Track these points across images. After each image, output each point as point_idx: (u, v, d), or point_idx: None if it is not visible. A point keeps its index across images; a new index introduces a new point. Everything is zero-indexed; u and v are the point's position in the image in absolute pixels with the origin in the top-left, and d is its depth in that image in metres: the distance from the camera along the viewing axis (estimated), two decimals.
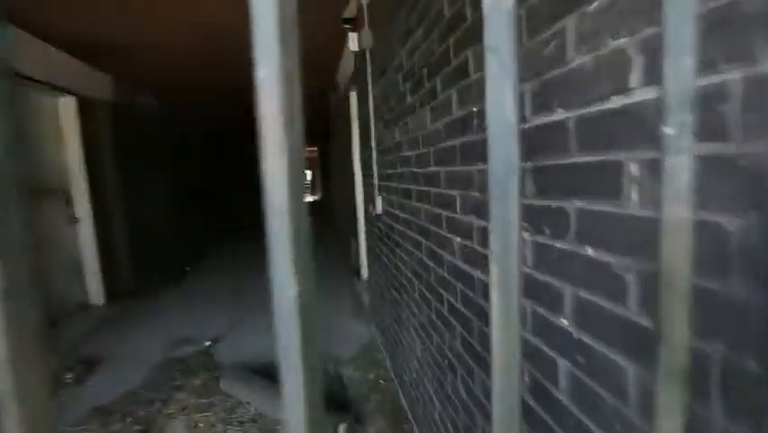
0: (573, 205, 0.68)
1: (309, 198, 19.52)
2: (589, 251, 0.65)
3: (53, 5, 2.80)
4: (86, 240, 3.87)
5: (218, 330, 3.46)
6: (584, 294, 0.67)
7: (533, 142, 0.78)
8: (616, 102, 0.57)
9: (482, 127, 1.01)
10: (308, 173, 31.12)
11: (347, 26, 3.05)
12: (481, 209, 1.04)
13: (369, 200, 2.99)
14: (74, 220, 3.78)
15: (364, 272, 4.08)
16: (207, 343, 3.20)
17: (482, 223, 1.05)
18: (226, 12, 3.05)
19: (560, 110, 0.70)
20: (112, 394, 2.51)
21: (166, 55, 3.95)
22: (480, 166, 1.03)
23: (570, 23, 0.65)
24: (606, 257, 0.62)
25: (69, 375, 2.69)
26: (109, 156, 4.08)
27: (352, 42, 2.50)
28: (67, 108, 3.71)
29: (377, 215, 2.68)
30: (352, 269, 4.69)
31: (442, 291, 1.44)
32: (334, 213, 5.76)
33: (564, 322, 0.74)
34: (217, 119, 8.47)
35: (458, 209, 1.22)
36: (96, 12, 2.93)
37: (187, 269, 5.58)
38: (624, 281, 0.58)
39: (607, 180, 0.60)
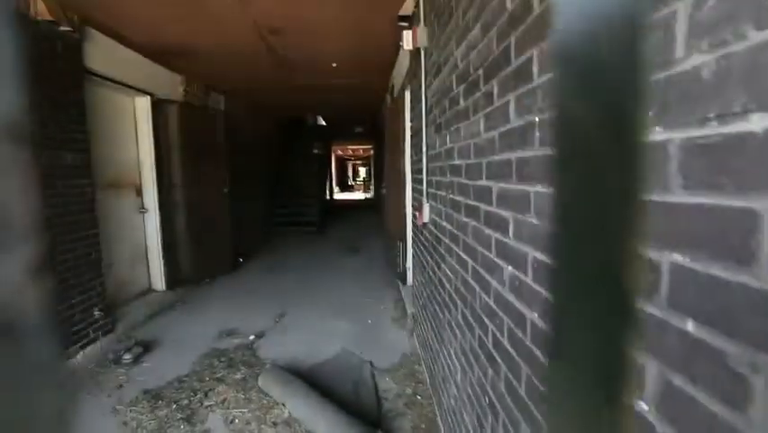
0: (669, 259, 0.50)
1: (363, 196, 19.88)
2: (690, 326, 0.47)
3: (131, 13, 3.00)
4: (151, 230, 4.17)
5: (264, 325, 3.54)
6: (678, 381, 0.49)
7: None
8: (756, 123, 0.39)
9: (545, 141, 0.84)
10: (363, 170, 32.07)
11: (403, 24, 2.94)
12: (538, 240, 0.87)
13: (417, 206, 2.87)
14: (142, 211, 4.08)
15: (410, 278, 3.98)
16: (252, 337, 3.28)
17: (539, 255, 0.87)
18: (287, 16, 3.08)
19: (657, 129, 0.51)
20: (161, 379, 2.64)
21: (231, 57, 4.11)
22: (539, 187, 0.86)
23: (681, 6, 0.47)
24: (717, 340, 0.43)
25: (128, 355, 2.88)
26: (176, 152, 4.35)
27: (407, 41, 2.39)
28: (142, 107, 4.01)
29: (424, 223, 2.56)
30: (397, 272, 4.60)
31: (487, 322, 1.27)
32: (385, 212, 5.72)
33: (644, 406, 0.56)
34: (281, 117, 8.83)
35: (510, 234, 1.05)
36: (170, 20, 3.10)
37: (241, 260, 5.84)
38: (745, 382, 0.40)
39: (729, 235, 0.42)
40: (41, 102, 2.69)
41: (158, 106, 4.12)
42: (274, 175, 8.67)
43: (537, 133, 0.87)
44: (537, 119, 0.87)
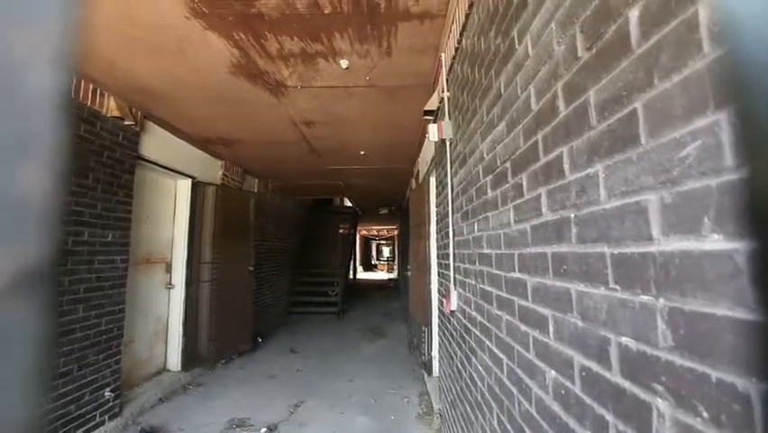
0: (753, 387, 0.43)
1: (387, 276, 19.67)
2: None
3: (187, 109, 3.41)
4: (175, 306, 4.19)
5: (278, 416, 3.29)
6: None
7: (668, 274, 0.56)
8: None
9: (584, 239, 0.81)
10: (386, 249, 32.20)
11: (428, 117, 3.16)
12: (586, 343, 0.80)
13: (444, 292, 2.78)
14: (169, 287, 4.15)
15: (435, 368, 3.72)
16: (263, 430, 3.03)
17: (586, 362, 0.79)
18: (320, 110, 3.41)
19: (715, 236, 0.49)
20: None
21: (268, 145, 4.49)
22: (582, 286, 0.81)
23: None
24: None
25: None
26: (209, 230, 4.55)
27: (432, 133, 2.54)
28: (183, 189, 4.33)
29: (451, 310, 2.45)
30: (422, 360, 4.31)
31: None
32: (409, 295, 5.58)
33: None
34: (309, 197, 9.26)
35: (550, 334, 0.97)
36: (219, 116, 3.50)
37: (260, 340, 5.68)
38: None
39: None
40: (96, 186, 2.95)
41: (197, 188, 4.43)
42: (299, 254, 8.82)
43: (574, 229, 0.85)
44: (573, 215, 0.86)
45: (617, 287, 0.69)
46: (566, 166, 0.89)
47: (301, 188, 7.45)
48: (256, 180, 6.22)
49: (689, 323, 0.53)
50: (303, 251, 9.08)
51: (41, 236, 0.13)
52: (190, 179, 4.34)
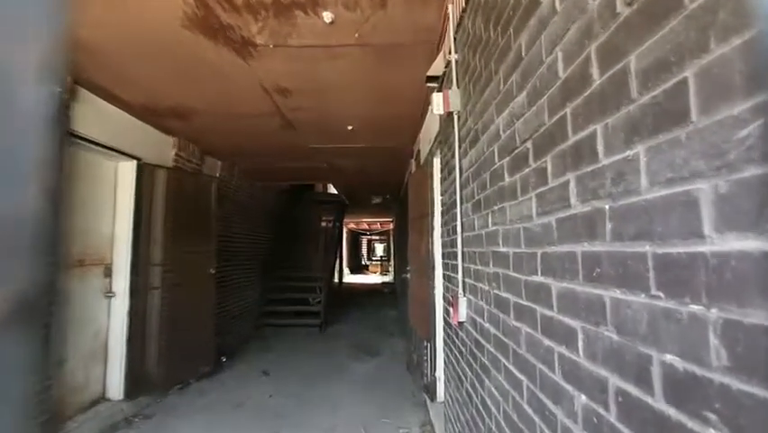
0: None
1: (380, 279, 19.74)
2: None
3: (130, 72, 3.36)
4: (117, 319, 4.17)
5: None
6: None
7: (723, 279, 0.58)
8: None
9: (619, 235, 0.82)
10: (380, 247, 32.26)
11: (431, 85, 3.15)
12: (623, 362, 0.81)
13: (450, 299, 2.81)
14: (109, 295, 4.13)
15: (440, 391, 3.77)
16: None
17: (623, 385, 0.81)
18: (297, 75, 3.38)
19: None
20: None
21: (232, 118, 4.45)
22: (618, 293, 0.83)
23: None
24: None
25: None
26: (160, 225, 4.52)
27: (436, 104, 2.53)
28: (125, 173, 4.28)
29: (459, 322, 2.48)
30: (424, 383, 4.36)
31: None
32: (407, 303, 5.61)
33: None
34: (285, 183, 9.23)
35: (580, 350, 0.99)
36: (169, 79, 3.45)
37: (224, 359, 5.69)
38: None
39: None
40: None
41: (143, 172, 4.38)
42: (272, 253, 8.81)
43: (609, 224, 0.86)
44: (608, 207, 0.86)
45: (661, 294, 0.70)
46: (600, 147, 0.90)
47: (275, 171, 7.40)
48: (218, 162, 6.18)
49: (748, 339, 0.54)
50: (277, 249, 9.07)
51: (33, 264, 0.15)
52: (135, 161, 4.30)
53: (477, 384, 2.12)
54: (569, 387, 1.06)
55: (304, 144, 5.52)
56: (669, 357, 0.68)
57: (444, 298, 3.36)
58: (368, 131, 4.97)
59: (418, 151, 5.06)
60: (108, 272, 4.17)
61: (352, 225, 23.98)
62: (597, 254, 0.92)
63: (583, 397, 0.98)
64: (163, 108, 4.13)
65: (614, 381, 0.85)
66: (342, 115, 4.41)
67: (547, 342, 1.20)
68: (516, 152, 1.48)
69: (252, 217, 7.71)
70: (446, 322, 3.27)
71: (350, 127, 4.80)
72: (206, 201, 5.30)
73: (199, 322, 5.08)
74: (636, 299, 0.77)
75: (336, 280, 13.77)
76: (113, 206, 4.25)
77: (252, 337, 7.37)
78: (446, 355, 3.32)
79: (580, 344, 0.99)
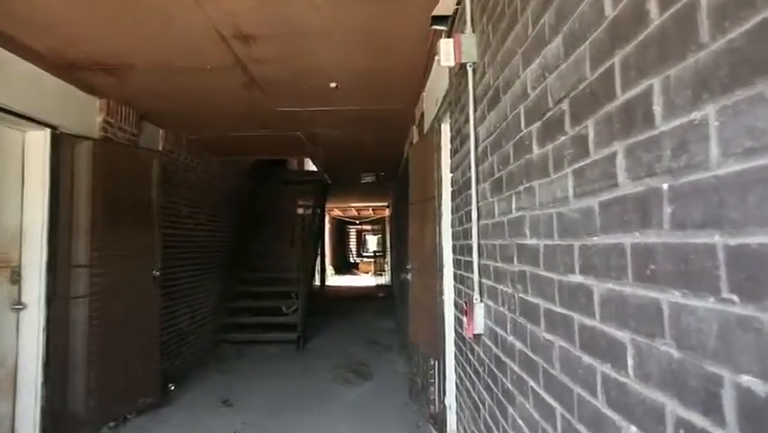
0: None
1: (374, 281, 19.78)
2: None
3: (36, 9, 3.30)
4: (28, 338, 4.09)
5: None
6: None
7: None
8: None
9: (681, 221, 0.82)
10: (373, 240, 32.22)
11: (438, 28, 3.13)
12: (685, 384, 0.82)
13: (464, 307, 2.82)
14: (17, 308, 4.08)
15: (452, 424, 3.80)
16: None
17: (686, 414, 0.81)
18: (263, 17, 3.33)
19: None
20: None
21: (178, 74, 4.40)
22: (679, 296, 0.83)
23: None
24: None
25: None
26: (84, 214, 4.48)
27: (445, 53, 2.51)
28: (35, 146, 4.21)
29: (475, 334, 2.50)
30: (430, 412, 4.41)
31: None
32: (409, 312, 5.63)
33: None
34: (250, 159, 9.18)
35: (629, 369, 1.00)
36: (93, 19, 3.39)
37: (172, 387, 5.70)
38: None
39: None
40: None
41: (61, 144, 4.32)
42: (235, 249, 8.81)
43: (668, 208, 0.86)
44: (667, 186, 0.86)
45: (735, 297, 0.70)
46: (657, 108, 0.90)
47: (236, 144, 7.35)
48: (161, 132, 6.12)
49: None
50: (241, 244, 9.06)
51: None
52: (48, 130, 4.23)
53: (498, 414, 2.14)
54: (615, 416, 1.07)
55: (273, 108, 5.48)
56: (746, 379, 0.68)
57: (456, 304, 3.38)
58: (356, 89, 4.93)
59: (421, 115, 5.04)
60: (16, 277, 4.12)
61: (336, 212, 23.99)
62: (651, 247, 0.92)
63: (633, 429, 0.99)
64: (86, 60, 4.06)
65: (673, 408, 0.86)
66: (322, 70, 4.37)
67: (588, 359, 1.21)
68: (549, 115, 1.47)
69: (208, 204, 7.68)
70: (458, 335, 3.29)
71: (333, 85, 4.76)
72: (146, 183, 5.26)
73: (139, 339, 5.08)
74: (703, 303, 0.77)
75: (318, 282, 13.80)
76: (20, 189, 4.19)
77: (210, 357, 7.38)
78: (458, 378, 3.35)
79: (630, 361, 1.00)
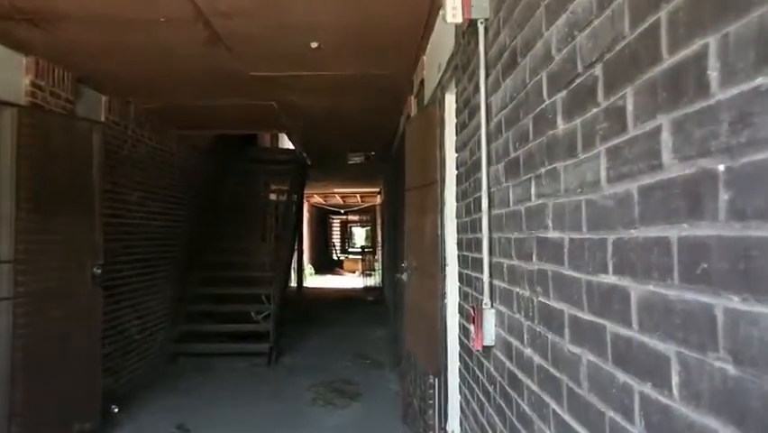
0: None
1: (361, 282, 19.78)
2: None
3: None
4: None
5: None
6: None
7: None
8: None
9: (740, 211, 0.82)
10: (361, 233, 32.22)
11: None
12: (744, 407, 0.82)
13: (472, 313, 2.83)
14: None
15: None
16: None
17: None
18: None
19: None
20: None
21: (125, 28, 4.36)
22: (736, 301, 0.83)
23: None
24: None
25: None
26: (8, 200, 4.42)
27: (452, 8, 2.50)
28: None
29: (484, 346, 2.51)
30: None
31: None
32: (405, 319, 5.65)
33: None
34: (212, 134, 9.14)
35: (674, 390, 1.00)
36: None
37: (116, 409, 5.69)
38: None
39: None
40: None
41: None
42: (194, 243, 8.78)
43: (724, 195, 0.86)
44: (723, 168, 0.86)
45: None
46: (713, 73, 0.89)
47: (197, 115, 7.32)
48: (104, 99, 6.08)
49: None
50: (203, 237, 9.04)
51: None
52: None
53: None
54: None
55: (242, 72, 5.45)
56: None
57: (461, 310, 3.39)
58: (342, 50, 4.92)
59: (421, 83, 5.03)
60: None
61: (317, 199, 23.99)
62: (703, 241, 0.92)
63: None
64: (6, 6, 3.99)
65: None
66: (301, 25, 4.34)
67: (623, 377, 1.21)
68: (578, 82, 1.47)
69: (162, 188, 7.65)
70: (464, 347, 3.30)
71: (314, 44, 4.73)
72: (85, 161, 5.21)
73: (76, 352, 5.05)
74: (766, 310, 0.77)
75: (294, 283, 13.81)
76: None
77: (163, 374, 7.39)
78: (464, 398, 3.36)
79: (675, 379, 1.00)
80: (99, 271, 5.33)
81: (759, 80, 0.78)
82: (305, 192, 13.29)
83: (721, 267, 0.87)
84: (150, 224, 7.27)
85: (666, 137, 1.03)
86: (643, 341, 1.12)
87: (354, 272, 24.49)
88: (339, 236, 32.59)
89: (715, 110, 0.89)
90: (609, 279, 1.28)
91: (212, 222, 9.31)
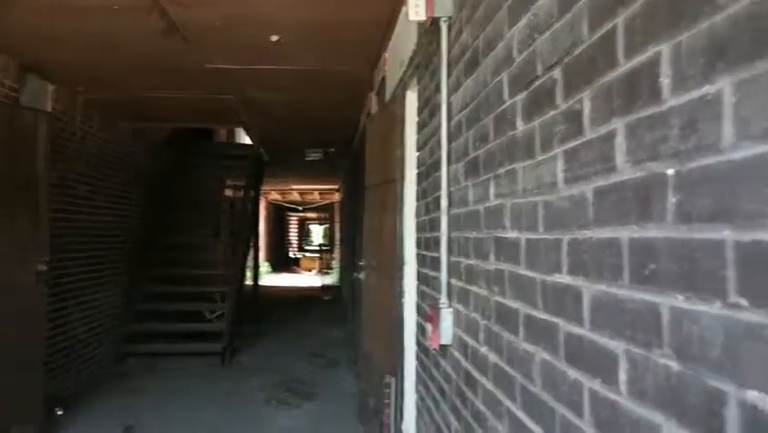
0: None
1: (319, 281, 19.64)
2: None
3: None
4: None
5: None
6: None
7: None
8: None
9: (687, 215, 0.85)
10: (319, 231, 31.99)
11: None
12: (685, 401, 0.85)
13: (429, 312, 2.84)
14: None
15: None
16: None
17: None
18: None
19: None
20: None
21: (76, 13, 4.26)
22: (681, 300, 0.86)
23: None
24: None
25: None
26: None
27: (415, 6, 2.52)
28: None
29: (441, 345, 2.53)
30: None
31: None
32: (362, 318, 5.65)
33: None
34: (165, 127, 8.99)
35: (621, 386, 1.04)
36: None
37: (60, 412, 5.57)
38: None
39: None
40: None
41: None
42: (144, 240, 8.62)
43: (672, 198, 0.89)
44: (673, 172, 0.89)
45: (743, 302, 0.73)
46: (665, 79, 0.92)
47: (151, 107, 7.18)
48: (50, 88, 5.92)
49: None
50: (154, 233, 8.88)
51: None
52: None
53: None
54: None
55: (199, 63, 5.38)
56: (752, 395, 0.71)
57: (419, 309, 3.40)
58: (303, 44, 4.89)
59: (382, 80, 5.03)
60: None
61: (275, 196, 23.76)
62: (652, 243, 0.95)
63: None
64: None
65: (670, 429, 0.89)
66: (261, 18, 4.31)
67: (574, 374, 1.24)
68: (537, 84, 1.49)
69: (112, 182, 7.49)
70: (420, 346, 3.31)
71: (274, 38, 4.70)
72: (29, 153, 5.08)
73: (16, 352, 4.93)
74: (708, 309, 0.80)
75: (250, 281, 13.66)
76: None
77: (110, 374, 7.25)
78: (419, 397, 3.37)
79: (623, 376, 1.03)
80: (44, 267, 5.20)
81: (707, 87, 0.81)
82: (262, 188, 13.17)
83: (668, 268, 0.90)
84: (99, 219, 7.11)
85: (620, 141, 1.06)
86: (593, 339, 1.15)
87: (311, 271, 24.33)
88: (296, 234, 32.34)
89: (666, 116, 0.92)
90: (564, 279, 1.31)
91: (164, 218, 9.15)
